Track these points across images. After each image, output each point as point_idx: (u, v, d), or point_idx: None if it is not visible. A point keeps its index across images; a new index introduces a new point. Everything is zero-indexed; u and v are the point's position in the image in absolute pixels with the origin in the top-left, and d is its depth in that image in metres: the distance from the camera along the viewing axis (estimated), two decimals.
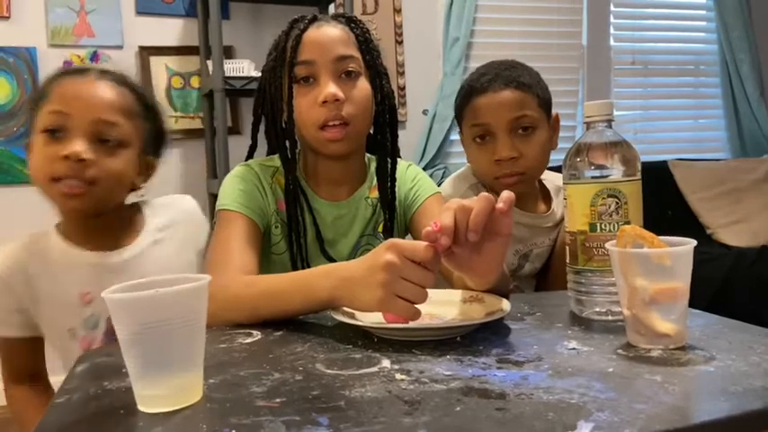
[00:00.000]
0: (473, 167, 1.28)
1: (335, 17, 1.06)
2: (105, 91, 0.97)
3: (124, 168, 0.98)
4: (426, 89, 2.91)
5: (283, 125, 1.05)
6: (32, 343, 1.02)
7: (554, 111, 1.26)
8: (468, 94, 1.22)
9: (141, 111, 1.02)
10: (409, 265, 0.70)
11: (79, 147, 0.91)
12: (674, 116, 3.45)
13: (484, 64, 1.28)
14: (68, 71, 1.01)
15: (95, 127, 0.94)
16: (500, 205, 0.70)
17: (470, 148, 1.25)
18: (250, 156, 1.12)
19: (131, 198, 1.08)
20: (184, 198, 1.15)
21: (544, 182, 1.33)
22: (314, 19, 1.03)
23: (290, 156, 1.05)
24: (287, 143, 1.05)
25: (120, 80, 1.01)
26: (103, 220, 1.01)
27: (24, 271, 0.98)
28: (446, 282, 0.94)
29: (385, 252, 0.71)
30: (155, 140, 1.07)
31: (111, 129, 0.96)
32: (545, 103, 1.21)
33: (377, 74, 1.05)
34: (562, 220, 1.28)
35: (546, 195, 1.32)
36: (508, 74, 1.19)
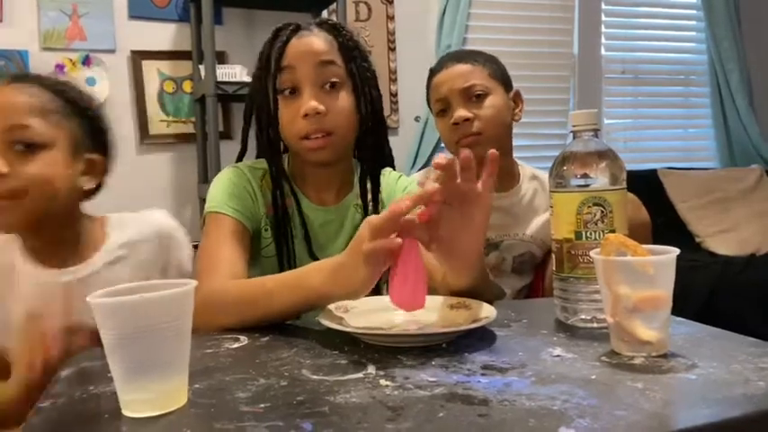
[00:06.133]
0: (444, 142, 1.40)
1: (320, 24, 1.05)
2: (12, 96, 0.92)
3: (47, 171, 0.91)
4: (419, 96, 2.90)
5: (270, 135, 1.05)
6: None
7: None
8: (429, 78, 1.39)
9: (62, 108, 0.96)
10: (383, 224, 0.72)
11: None
12: (663, 125, 3.48)
13: None
14: None
15: (9, 135, 0.89)
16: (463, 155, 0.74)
17: (438, 125, 1.39)
18: (240, 161, 1.12)
19: (100, 212, 1.03)
20: (153, 214, 1.09)
21: (520, 167, 1.43)
22: (297, 28, 1.03)
23: (276, 165, 1.05)
24: (273, 153, 1.06)
25: (33, 81, 0.96)
26: (52, 233, 0.95)
27: None
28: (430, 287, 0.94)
29: (362, 229, 0.74)
30: (93, 136, 1.00)
31: (23, 132, 0.90)
32: (496, 75, 1.35)
33: (361, 80, 1.05)
34: (535, 211, 1.39)
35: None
36: (459, 54, 1.42)
